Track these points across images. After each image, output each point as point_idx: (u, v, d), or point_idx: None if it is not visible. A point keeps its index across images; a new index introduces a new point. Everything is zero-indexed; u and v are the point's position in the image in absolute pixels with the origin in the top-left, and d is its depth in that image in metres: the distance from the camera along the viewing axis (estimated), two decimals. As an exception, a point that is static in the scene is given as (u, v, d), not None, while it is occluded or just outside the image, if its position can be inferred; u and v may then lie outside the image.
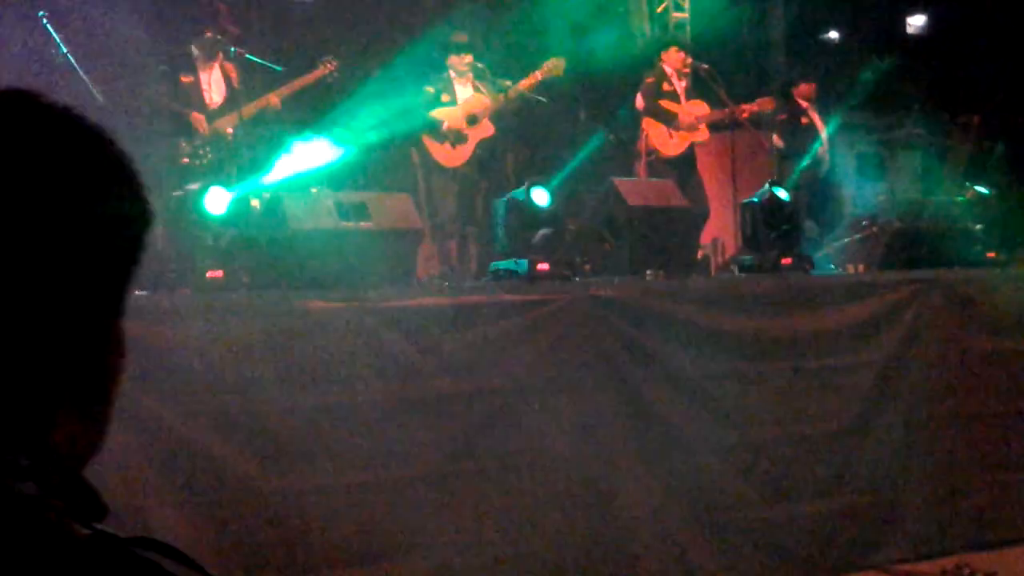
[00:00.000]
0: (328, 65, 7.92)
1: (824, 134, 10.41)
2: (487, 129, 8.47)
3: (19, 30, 7.60)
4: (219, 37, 7.80)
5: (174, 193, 6.95)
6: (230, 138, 7.61)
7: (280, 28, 10.29)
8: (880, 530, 7.26)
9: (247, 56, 7.86)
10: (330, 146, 7.75)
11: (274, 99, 7.74)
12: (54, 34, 6.88)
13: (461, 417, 6.18)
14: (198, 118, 7.52)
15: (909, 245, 8.24)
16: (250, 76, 8.00)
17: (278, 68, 7.87)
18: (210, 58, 7.81)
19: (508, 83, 8.52)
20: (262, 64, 7.92)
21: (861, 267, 8.23)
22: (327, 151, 7.73)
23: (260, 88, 7.95)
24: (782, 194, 7.99)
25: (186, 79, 7.68)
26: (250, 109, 7.68)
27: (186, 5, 8.04)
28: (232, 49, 7.85)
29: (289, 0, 10.99)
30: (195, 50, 7.80)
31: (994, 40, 14.89)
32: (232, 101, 7.73)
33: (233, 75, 7.83)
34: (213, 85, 7.76)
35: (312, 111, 7.99)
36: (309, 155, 7.55)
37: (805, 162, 9.99)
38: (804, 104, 10.44)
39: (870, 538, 7.23)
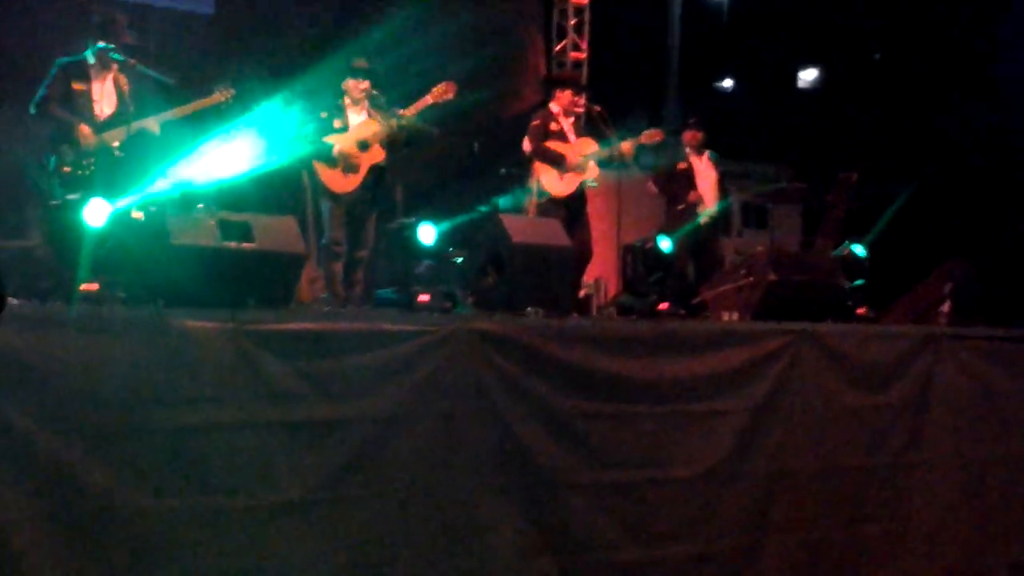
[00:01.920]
0: (225, 93, 7.86)
1: (704, 181, 10.59)
2: (378, 155, 8.47)
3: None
4: (113, 47, 7.71)
5: (53, 202, 6.85)
6: (116, 152, 7.51)
7: (177, 42, 10.23)
8: (739, 576, 7.42)
9: (139, 67, 7.76)
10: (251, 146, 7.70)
11: (151, 124, 7.65)
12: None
13: (333, 445, 6.16)
14: (84, 130, 7.42)
15: (784, 297, 8.42)
16: (142, 90, 7.90)
17: (170, 81, 7.79)
18: (104, 68, 7.72)
19: (401, 110, 8.53)
20: (157, 78, 7.81)
21: (736, 315, 8.39)
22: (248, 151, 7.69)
23: (153, 103, 7.85)
24: (665, 244, 8.12)
25: (78, 87, 7.57)
26: (136, 126, 7.60)
27: (85, 14, 7.92)
28: (123, 59, 7.75)
29: (187, 15, 10.95)
30: (90, 58, 7.70)
31: (879, 99, 15.34)
32: (122, 114, 7.64)
33: (125, 88, 7.74)
34: (104, 96, 7.66)
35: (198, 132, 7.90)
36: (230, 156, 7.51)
37: (698, 221, 10.16)
38: (688, 150, 10.63)
39: (730, 584, 7.37)
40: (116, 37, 7.69)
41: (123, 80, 7.73)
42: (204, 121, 7.89)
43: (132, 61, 7.72)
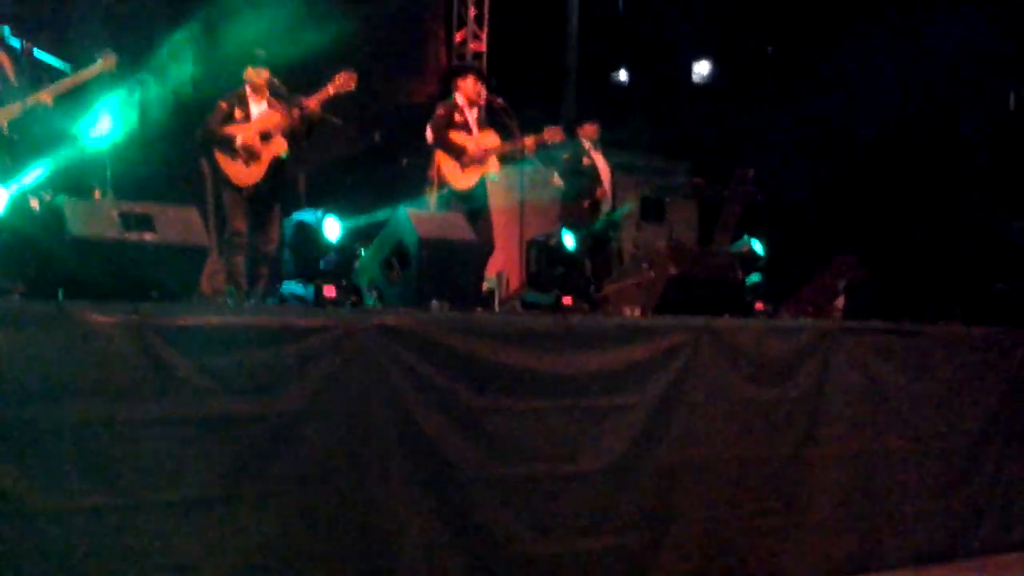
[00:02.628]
0: (108, 60, 7.59)
1: (605, 175, 10.67)
2: (280, 146, 8.38)
3: None
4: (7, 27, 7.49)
5: (-57, 190, 6.68)
6: (5, 132, 7.27)
7: (66, 22, 9.99)
8: (644, 570, 7.49)
9: (35, 52, 7.54)
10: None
11: (45, 96, 7.38)
12: None
13: (238, 441, 6.08)
14: None
15: (684, 292, 8.51)
16: (26, 68, 7.66)
17: (65, 65, 7.57)
18: None
19: (302, 100, 8.44)
20: (49, 61, 7.61)
21: (638, 311, 8.46)
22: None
23: (39, 80, 7.61)
24: (569, 240, 8.15)
25: None
26: (31, 101, 7.34)
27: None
28: (18, 41, 7.53)
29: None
30: None
31: (772, 93, 15.56)
32: (6, 94, 7.39)
33: (8, 66, 7.49)
34: None
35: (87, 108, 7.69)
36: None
37: (602, 222, 10.21)
38: (587, 144, 10.68)
39: (634, 577, 7.45)
40: None
41: (4, 59, 7.48)
42: (88, 94, 7.66)
43: (29, 45, 7.50)
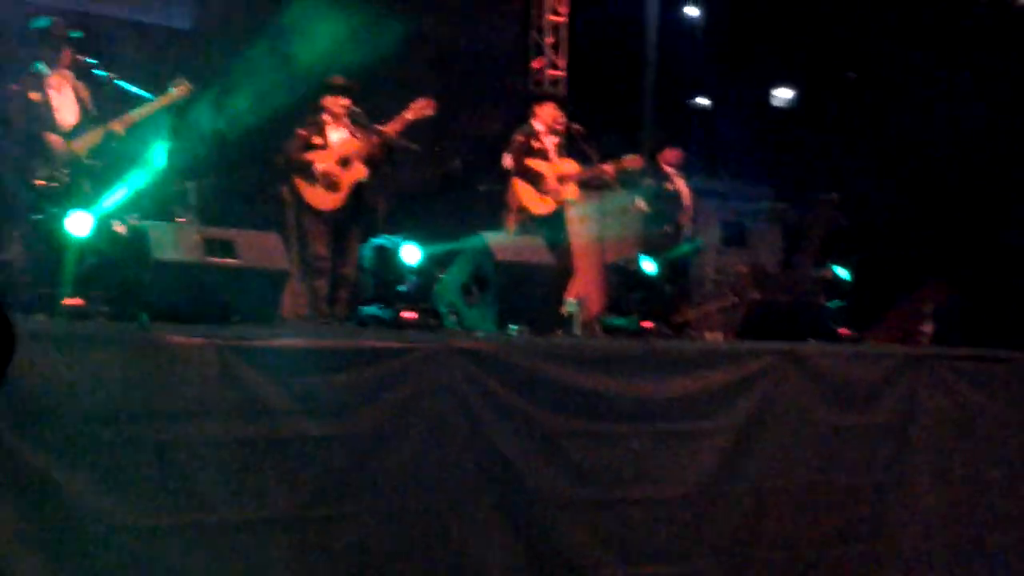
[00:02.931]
0: (181, 88, 7.68)
1: (687, 201, 10.60)
2: (360, 172, 8.42)
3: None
4: (96, 62, 7.61)
5: (34, 216, 6.76)
6: (85, 160, 7.37)
7: (152, 55, 10.15)
8: (727, 597, 7.40)
9: (117, 82, 7.64)
10: None
11: (118, 126, 7.48)
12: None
13: (318, 462, 6.09)
14: (55, 139, 7.26)
15: (767, 317, 8.42)
16: (100, 95, 7.76)
17: (150, 96, 7.66)
18: (60, 76, 7.55)
19: (380, 127, 8.48)
20: (134, 92, 7.69)
21: (719, 335, 8.38)
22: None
23: (115, 108, 7.71)
24: (648, 266, 8.10)
25: (35, 97, 7.40)
26: (105, 130, 7.43)
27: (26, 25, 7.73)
28: (104, 73, 7.65)
29: (164, 29, 10.87)
30: (44, 68, 7.53)
31: (856, 120, 15.37)
32: (86, 121, 7.50)
33: (84, 94, 7.61)
34: (64, 105, 7.51)
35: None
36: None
37: (684, 248, 10.14)
38: (669, 170, 10.62)
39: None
40: (57, 46, 7.50)
41: (81, 87, 7.60)
42: (163, 122, 7.75)
43: (111, 76, 7.61)
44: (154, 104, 7.49)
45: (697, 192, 10.86)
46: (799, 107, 18.38)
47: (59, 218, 6.48)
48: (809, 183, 12.58)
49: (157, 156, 7.43)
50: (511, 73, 13.92)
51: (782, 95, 19.83)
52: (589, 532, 6.94)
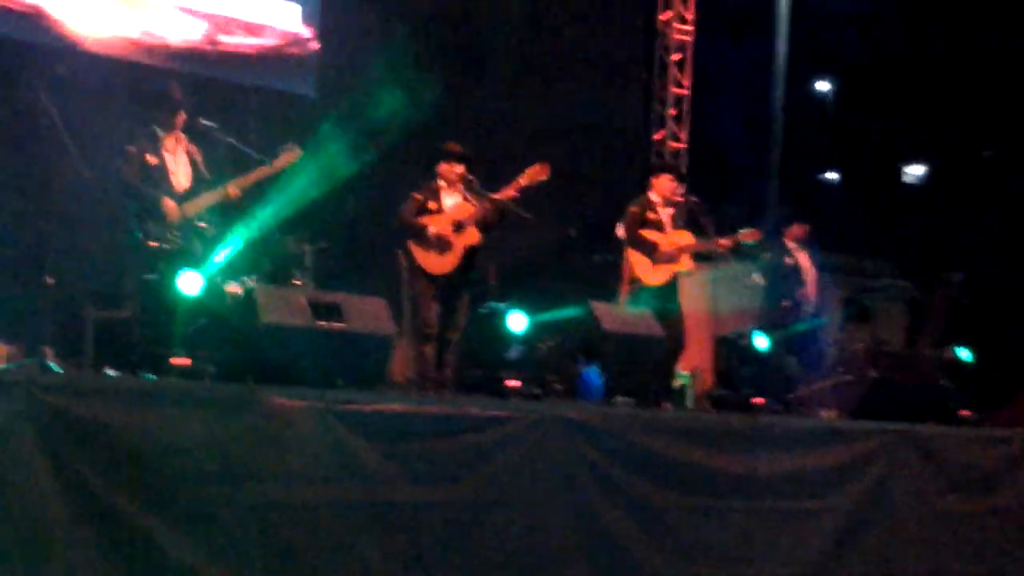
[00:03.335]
0: (291, 153, 7.80)
1: (809, 276, 10.42)
2: (473, 236, 8.46)
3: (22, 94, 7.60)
4: (215, 125, 7.79)
5: (145, 276, 6.91)
6: (197, 223, 7.53)
7: (272, 121, 10.39)
8: None
9: (238, 147, 7.80)
10: None
11: (233, 191, 7.63)
12: (49, 106, 6.84)
13: (417, 528, 6.08)
14: (169, 204, 7.42)
15: (884, 396, 8.20)
16: (214, 159, 7.93)
17: (265, 160, 7.79)
18: (175, 140, 7.71)
19: (494, 194, 8.50)
20: (249, 155, 7.84)
21: (833, 413, 8.19)
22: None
23: (226, 172, 7.87)
24: (761, 342, 7.97)
25: (152, 160, 7.58)
26: (219, 194, 7.58)
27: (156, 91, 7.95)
28: (220, 137, 7.82)
29: (288, 95, 11.13)
30: (159, 131, 7.71)
31: (986, 199, 15.04)
32: (199, 184, 7.66)
33: (198, 157, 7.77)
34: (179, 167, 7.68)
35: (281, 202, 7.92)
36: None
37: (804, 325, 9.96)
38: (792, 245, 10.46)
39: None
40: (173, 108, 7.67)
41: (195, 150, 7.77)
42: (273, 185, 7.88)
43: (231, 140, 7.78)
44: (267, 169, 7.62)
45: (821, 266, 10.68)
46: (929, 183, 18.07)
47: (171, 278, 6.61)
48: (934, 261, 12.30)
49: (266, 218, 7.55)
50: (632, 144, 13.93)
51: (913, 171, 19.50)
52: (691, 611, 6.79)
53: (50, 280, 6.41)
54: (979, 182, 15.89)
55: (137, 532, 5.35)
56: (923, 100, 16.70)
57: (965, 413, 8.83)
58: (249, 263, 7.94)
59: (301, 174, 7.83)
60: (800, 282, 10.31)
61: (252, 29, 11.36)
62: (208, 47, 11.14)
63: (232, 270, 7.52)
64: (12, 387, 5.21)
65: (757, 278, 10.44)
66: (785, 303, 10.13)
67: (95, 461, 5.28)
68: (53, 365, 6.29)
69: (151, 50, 10.71)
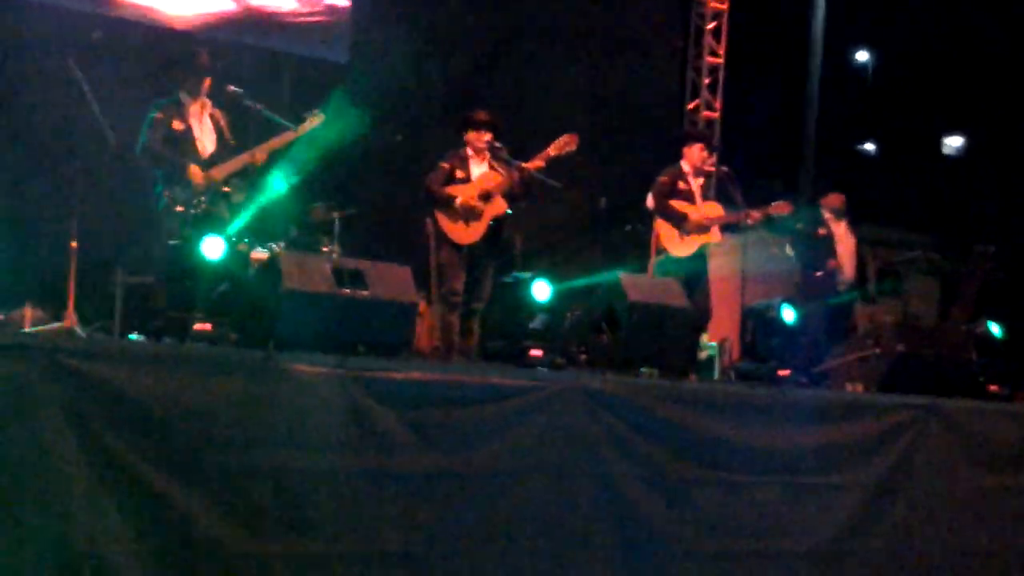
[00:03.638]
0: (315, 118, 7.80)
1: (844, 247, 10.33)
2: (500, 206, 8.42)
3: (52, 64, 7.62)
4: (242, 91, 7.80)
5: (171, 240, 6.94)
6: (223, 187, 7.55)
7: (310, 90, 10.38)
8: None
9: (264, 112, 7.81)
10: None
11: (260, 155, 7.65)
12: (79, 74, 6.86)
13: (437, 497, 6.09)
14: (194, 170, 7.44)
15: (911, 370, 8.13)
16: (239, 124, 7.95)
17: (292, 125, 7.79)
18: (200, 106, 7.73)
19: (523, 163, 8.46)
20: (276, 121, 7.84)
21: (860, 387, 8.13)
22: None
23: (252, 137, 7.89)
24: (788, 314, 7.90)
25: (178, 126, 7.61)
26: (238, 161, 7.60)
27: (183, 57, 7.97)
28: (252, 104, 7.83)
29: (321, 62, 11.12)
30: (186, 97, 7.73)
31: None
32: (224, 149, 7.69)
33: (223, 123, 7.79)
34: (204, 133, 7.70)
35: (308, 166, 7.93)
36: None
37: (844, 297, 9.89)
38: (828, 216, 10.37)
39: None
40: (200, 75, 7.68)
41: (220, 115, 7.79)
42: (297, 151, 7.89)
43: (259, 105, 7.78)
44: (292, 133, 7.63)
45: (856, 240, 10.59)
46: (968, 156, 17.87)
47: (195, 242, 6.63)
48: (970, 234, 12.17)
49: (287, 183, 7.57)
50: (666, 113, 13.84)
51: (952, 143, 19.30)
52: (712, 582, 6.78)
53: (74, 245, 6.43)
54: (1019, 155, 15.69)
55: (159, 497, 5.40)
56: (963, 71, 16.49)
57: (994, 388, 8.74)
58: (278, 229, 7.96)
59: (328, 138, 7.83)
60: (832, 253, 10.23)
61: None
62: (242, 14, 11.15)
63: (260, 236, 7.54)
64: (37, 351, 5.28)
65: (788, 250, 10.37)
66: (817, 274, 10.07)
67: (117, 426, 5.34)
68: (77, 329, 6.34)
69: (185, 17, 10.73)
